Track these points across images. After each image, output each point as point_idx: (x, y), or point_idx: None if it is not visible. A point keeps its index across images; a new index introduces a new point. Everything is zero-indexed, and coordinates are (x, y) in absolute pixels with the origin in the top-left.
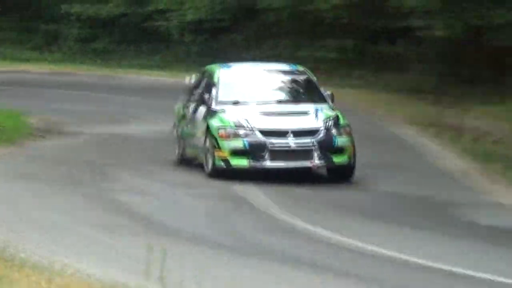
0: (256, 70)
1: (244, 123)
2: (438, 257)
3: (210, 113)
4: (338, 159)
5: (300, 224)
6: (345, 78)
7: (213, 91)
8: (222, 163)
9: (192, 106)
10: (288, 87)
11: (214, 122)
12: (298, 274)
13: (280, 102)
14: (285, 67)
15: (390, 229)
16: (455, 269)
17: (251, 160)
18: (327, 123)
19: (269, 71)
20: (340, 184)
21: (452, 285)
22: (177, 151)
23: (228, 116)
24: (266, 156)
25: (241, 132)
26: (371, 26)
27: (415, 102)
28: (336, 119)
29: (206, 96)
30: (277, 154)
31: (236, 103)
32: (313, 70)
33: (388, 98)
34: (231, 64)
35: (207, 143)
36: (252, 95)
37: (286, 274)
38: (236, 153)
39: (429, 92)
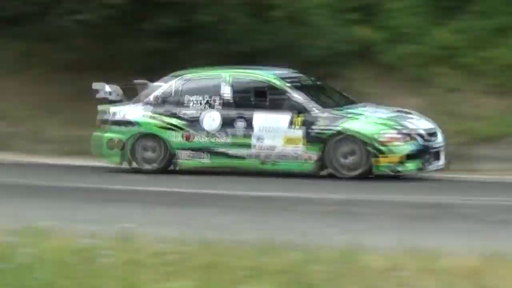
0: (294, 75)
1: (399, 125)
2: None
3: (333, 117)
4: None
5: None
6: None
7: (300, 96)
8: (396, 167)
9: (219, 114)
10: (328, 91)
11: (368, 127)
12: None
13: (351, 104)
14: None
15: None
16: None
17: (423, 163)
18: None
19: (300, 76)
20: None
21: None
22: (161, 158)
23: (374, 120)
24: (431, 157)
25: (406, 135)
26: None
27: None
28: None
29: (291, 103)
30: (434, 155)
31: (332, 107)
32: None
33: None
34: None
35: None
36: (326, 101)
37: None
38: (409, 157)
39: None
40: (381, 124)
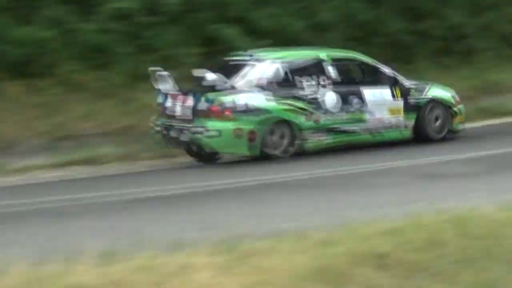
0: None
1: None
2: None
3: (419, 88)
4: None
5: None
6: None
7: (388, 70)
8: (460, 126)
9: (335, 93)
10: None
11: (446, 93)
12: None
13: None
14: None
15: None
16: None
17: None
18: None
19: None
20: None
21: None
22: (286, 142)
23: (442, 87)
24: None
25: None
26: None
27: None
28: None
29: (385, 76)
30: None
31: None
32: None
33: None
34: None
35: (437, 114)
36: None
37: None
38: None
39: None
40: (447, 89)
